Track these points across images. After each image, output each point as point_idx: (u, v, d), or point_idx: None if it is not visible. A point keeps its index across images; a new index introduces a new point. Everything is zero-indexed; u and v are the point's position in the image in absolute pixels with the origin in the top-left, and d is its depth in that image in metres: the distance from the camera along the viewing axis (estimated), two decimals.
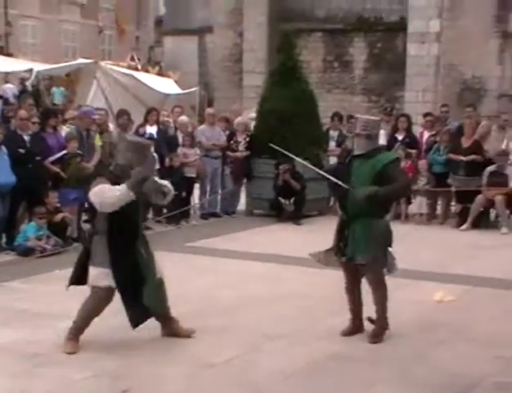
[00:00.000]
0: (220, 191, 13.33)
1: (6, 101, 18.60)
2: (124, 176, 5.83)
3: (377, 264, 6.24)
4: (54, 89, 20.18)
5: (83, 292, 7.71)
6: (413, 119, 15.12)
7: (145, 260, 6.04)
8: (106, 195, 5.73)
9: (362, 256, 6.20)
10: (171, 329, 6.27)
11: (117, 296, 5.96)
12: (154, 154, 11.99)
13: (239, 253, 9.83)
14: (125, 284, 5.91)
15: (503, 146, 12.42)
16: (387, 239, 6.32)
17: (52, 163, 10.30)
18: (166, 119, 13.18)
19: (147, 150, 6.16)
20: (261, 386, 5.26)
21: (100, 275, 5.93)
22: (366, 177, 6.16)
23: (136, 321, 5.99)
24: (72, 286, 8.07)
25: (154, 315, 6.13)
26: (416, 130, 14.19)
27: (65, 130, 10.90)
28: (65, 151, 10.39)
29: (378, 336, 6.30)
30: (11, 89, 20.60)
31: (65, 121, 11.59)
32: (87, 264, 6.05)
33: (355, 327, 6.45)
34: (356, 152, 6.29)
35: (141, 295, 5.90)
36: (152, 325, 6.62)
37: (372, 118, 6.62)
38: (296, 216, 12.47)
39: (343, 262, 6.36)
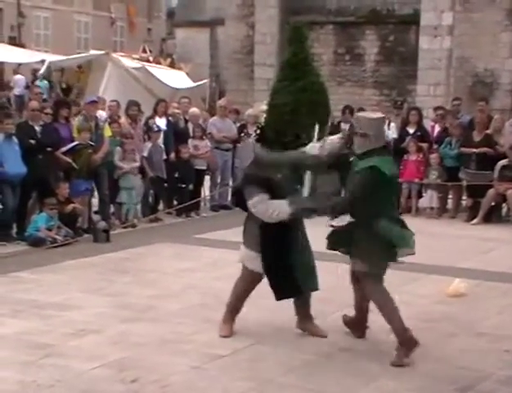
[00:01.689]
0: (231, 183, 13.34)
1: None
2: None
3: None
4: (37, 82, 18.67)
5: (90, 284, 7.76)
6: (425, 113, 15.04)
7: (300, 249, 6.05)
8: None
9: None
10: (305, 326, 6.23)
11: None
12: (162, 145, 12.01)
13: None
14: (270, 271, 5.99)
15: None
16: None
17: (64, 153, 10.33)
18: (176, 111, 13.15)
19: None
20: (266, 379, 5.26)
21: (248, 257, 6.09)
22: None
23: (281, 294, 6.08)
24: (80, 277, 8.12)
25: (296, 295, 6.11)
26: (428, 124, 14.14)
27: (76, 121, 10.91)
28: (77, 142, 10.42)
29: (399, 355, 5.65)
30: (21, 80, 20.64)
31: (78, 113, 11.61)
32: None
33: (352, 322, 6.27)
34: (356, 151, 5.99)
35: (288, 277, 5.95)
36: (160, 316, 6.64)
37: (369, 116, 6.15)
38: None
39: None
